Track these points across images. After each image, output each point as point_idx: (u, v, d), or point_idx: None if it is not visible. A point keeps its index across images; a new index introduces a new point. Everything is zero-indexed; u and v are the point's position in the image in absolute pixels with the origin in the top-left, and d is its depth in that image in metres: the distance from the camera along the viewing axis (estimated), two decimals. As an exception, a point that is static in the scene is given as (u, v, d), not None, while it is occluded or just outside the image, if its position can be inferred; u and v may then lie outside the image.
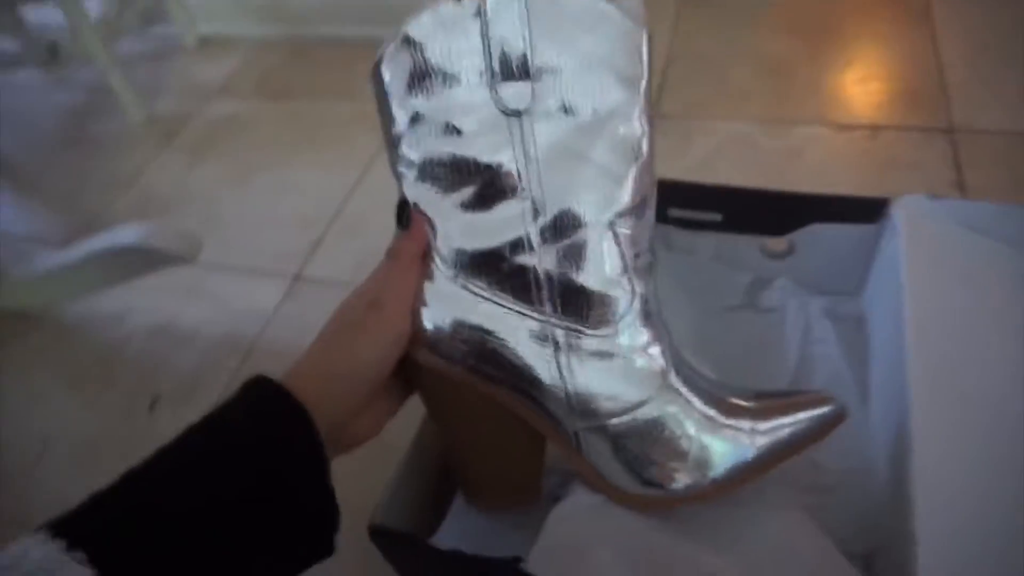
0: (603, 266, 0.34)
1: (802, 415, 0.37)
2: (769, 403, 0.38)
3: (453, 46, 0.32)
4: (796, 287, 0.59)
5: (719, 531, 0.37)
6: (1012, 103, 0.81)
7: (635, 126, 0.33)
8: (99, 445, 0.69)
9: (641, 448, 0.36)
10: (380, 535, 0.40)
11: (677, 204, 0.59)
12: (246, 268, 0.84)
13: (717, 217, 0.58)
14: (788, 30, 1.01)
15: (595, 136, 0.33)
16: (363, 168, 0.94)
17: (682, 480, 0.36)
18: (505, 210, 0.34)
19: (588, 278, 0.34)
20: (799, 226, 0.57)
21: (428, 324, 0.36)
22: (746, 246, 0.60)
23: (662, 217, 0.60)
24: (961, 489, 0.38)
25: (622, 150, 0.33)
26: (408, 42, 0.32)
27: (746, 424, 0.36)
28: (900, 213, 0.52)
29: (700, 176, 0.57)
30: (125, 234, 0.70)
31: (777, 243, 0.59)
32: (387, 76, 0.33)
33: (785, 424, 0.37)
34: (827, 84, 0.91)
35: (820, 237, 0.57)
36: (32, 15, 1.18)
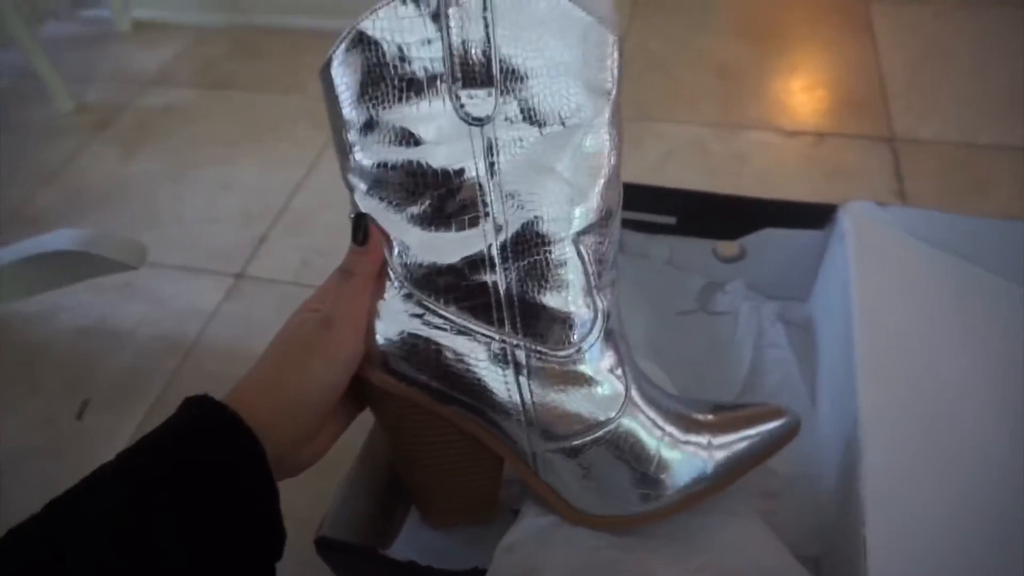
0: (566, 285, 0.33)
1: (759, 428, 0.37)
2: (726, 416, 0.38)
3: (411, 48, 0.29)
4: (748, 291, 0.60)
5: (675, 542, 0.37)
6: (950, 114, 0.84)
7: (603, 139, 0.31)
8: (21, 455, 0.64)
9: (601, 468, 0.35)
10: (329, 547, 0.38)
11: (631, 206, 0.59)
12: (185, 266, 0.81)
13: (671, 220, 0.58)
14: (737, 34, 1.02)
15: (561, 148, 0.31)
16: (309, 164, 0.91)
17: (641, 498, 0.36)
18: (464, 225, 0.32)
19: (550, 297, 0.33)
20: (751, 230, 0.57)
21: (381, 341, 0.34)
22: (699, 250, 0.60)
23: (616, 219, 0.60)
24: (909, 494, 0.38)
25: (588, 164, 0.31)
26: (362, 41, 0.29)
27: (704, 439, 0.36)
28: (847, 219, 0.53)
29: (651, 180, 0.57)
30: (65, 239, 0.64)
31: (729, 247, 0.60)
32: (338, 78, 0.30)
33: (742, 438, 0.37)
34: (774, 90, 0.93)
35: (771, 242, 0.57)
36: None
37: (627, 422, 0.34)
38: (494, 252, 0.32)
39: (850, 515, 0.39)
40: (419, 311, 0.33)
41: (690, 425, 0.36)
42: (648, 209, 0.59)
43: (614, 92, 0.31)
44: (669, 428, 0.35)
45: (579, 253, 0.32)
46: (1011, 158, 0.78)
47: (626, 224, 0.60)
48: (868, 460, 0.39)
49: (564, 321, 0.33)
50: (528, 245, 0.32)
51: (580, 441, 0.34)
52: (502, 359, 0.33)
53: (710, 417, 0.37)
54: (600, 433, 0.34)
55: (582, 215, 0.32)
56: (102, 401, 0.68)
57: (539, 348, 0.33)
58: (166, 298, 0.78)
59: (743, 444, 0.37)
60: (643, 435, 0.35)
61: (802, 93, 0.92)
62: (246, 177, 0.92)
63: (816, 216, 0.55)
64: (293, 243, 0.81)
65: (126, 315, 0.76)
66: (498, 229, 0.32)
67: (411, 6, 0.29)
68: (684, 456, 0.36)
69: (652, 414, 0.35)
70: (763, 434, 0.37)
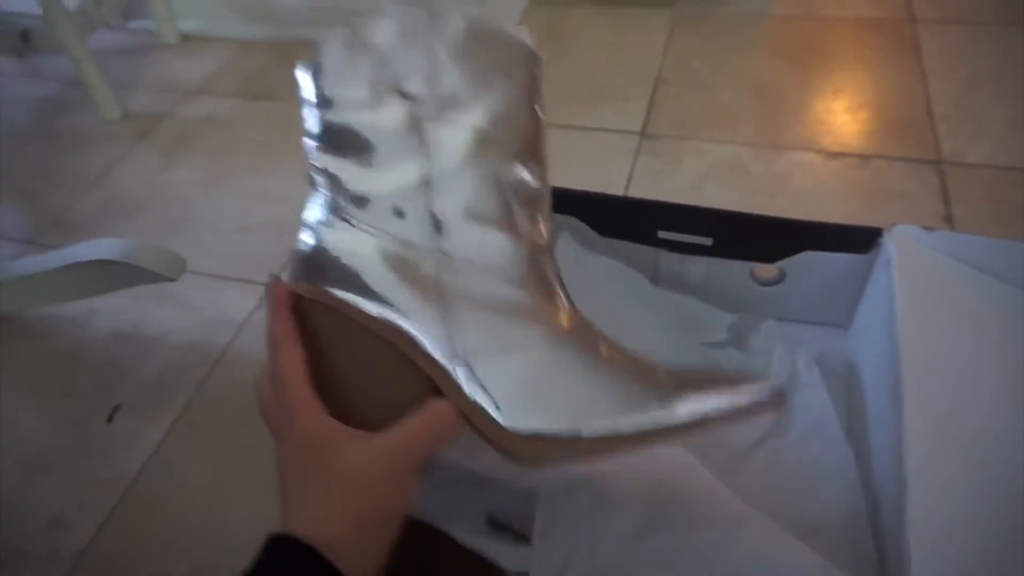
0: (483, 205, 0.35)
1: (728, 391, 0.35)
2: (689, 376, 0.35)
3: (361, 68, 0.36)
4: (783, 331, 0.57)
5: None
6: (999, 137, 0.82)
7: (523, 122, 0.35)
8: (51, 456, 0.65)
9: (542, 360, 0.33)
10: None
11: (667, 226, 0.57)
12: (218, 274, 0.81)
13: (708, 241, 0.57)
14: (779, 55, 1.01)
15: (491, 139, 0.35)
16: (344, 175, 0.91)
17: (591, 404, 0.33)
18: (397, 167, 0.35)
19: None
20: (790, 253, 0.56)
21: (304, 248, 0.37)
22: (736, 272, 0.58)
23: (652, 239, 0.59)
24: (957, 547, 0.36)
25: (515, 146, 0.35)
26: (317, 65, 0.37)
27: (659, 383, 0.34)
28: (893, 243, 0.51)
29: (689, 199, 0.56)
30: (107, 248, 0.66)
31: (768, 270, 0.58)
32: (303, 88, 0.36)
33: (708, 393, 0.34)
34: (817, 110, 0.91)
35: (812, 266, 0.55)
36: (4, 1, 1.15)
37: (557, 343, 0.33)
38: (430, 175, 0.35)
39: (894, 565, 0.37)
40: (343, 225, 0.36)
41: (645, 369, 0.35)
42: (684, 229, 0.57)
43: (534, 84, 0.36)
44: (615, 357, 0.34)
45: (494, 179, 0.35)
46: (1065, 185, 0.75)
47: (661, 244, 0.59)
48: (914, 501, 0.37)
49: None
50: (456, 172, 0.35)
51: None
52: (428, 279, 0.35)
53: (671, 372, 0.35)
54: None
55: (491, 124, 0.35)
56: (131, 407, 0.69)
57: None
58: (198, 306, 0.78)
59: (709, 401, 0.34)
60: (580, 357, 0.34)
61: (845, 114, 0.90)
62: (281, 187, 0.92)
63: (859, 240, 0.53)
64: (325, 254, 0.81)
65: (158, 321, 0.77)
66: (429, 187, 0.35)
67: (365, 32, 0.37)
68: (624, 389, 0.33)
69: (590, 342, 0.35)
70: (735, 395, 0.35)
